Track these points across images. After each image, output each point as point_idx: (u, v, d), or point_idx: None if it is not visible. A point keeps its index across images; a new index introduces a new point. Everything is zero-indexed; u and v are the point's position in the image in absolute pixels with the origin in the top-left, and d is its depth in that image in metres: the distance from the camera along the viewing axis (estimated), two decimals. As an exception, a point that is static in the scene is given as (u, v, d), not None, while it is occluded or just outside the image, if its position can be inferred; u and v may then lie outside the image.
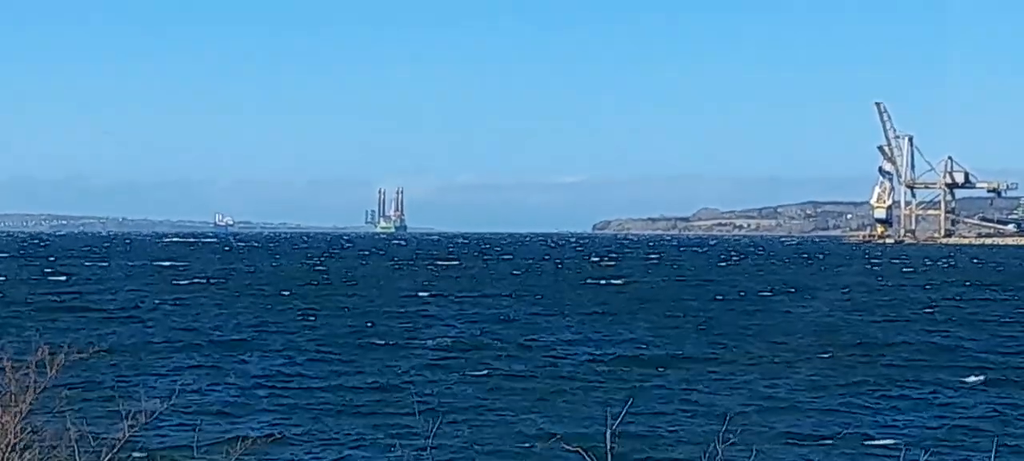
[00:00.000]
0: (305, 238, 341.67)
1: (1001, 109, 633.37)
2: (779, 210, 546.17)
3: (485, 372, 38.61)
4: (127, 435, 13.61)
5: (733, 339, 49.10)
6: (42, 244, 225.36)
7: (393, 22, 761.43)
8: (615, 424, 12.83)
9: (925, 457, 19.21)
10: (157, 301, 67.83)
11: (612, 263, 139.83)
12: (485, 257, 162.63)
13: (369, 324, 54.27)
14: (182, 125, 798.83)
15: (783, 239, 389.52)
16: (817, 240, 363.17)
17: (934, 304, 71.24)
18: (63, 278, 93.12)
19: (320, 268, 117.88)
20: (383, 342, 46.77)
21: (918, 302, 73.26)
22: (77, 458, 13.47)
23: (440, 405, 31.39)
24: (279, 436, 26.94)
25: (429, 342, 46.85)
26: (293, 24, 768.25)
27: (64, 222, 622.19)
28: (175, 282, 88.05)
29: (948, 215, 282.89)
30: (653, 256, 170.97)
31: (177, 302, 67.09)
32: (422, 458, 22.22)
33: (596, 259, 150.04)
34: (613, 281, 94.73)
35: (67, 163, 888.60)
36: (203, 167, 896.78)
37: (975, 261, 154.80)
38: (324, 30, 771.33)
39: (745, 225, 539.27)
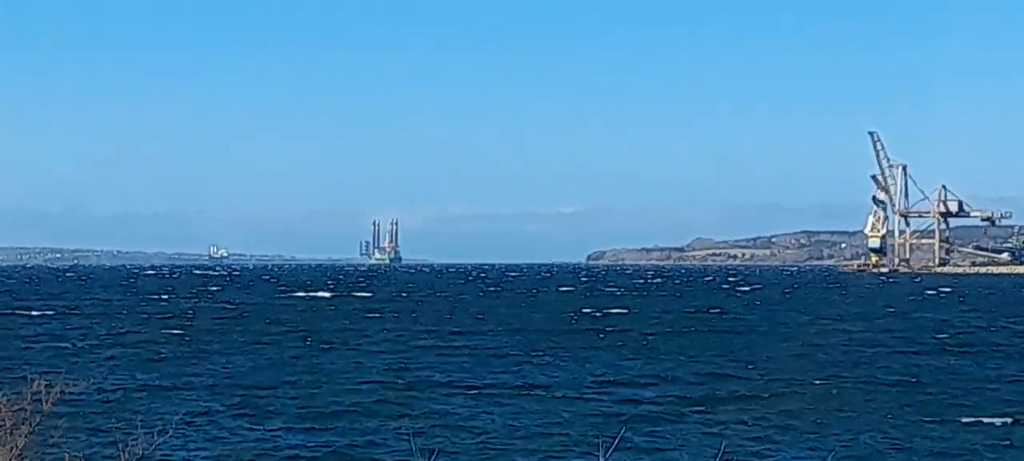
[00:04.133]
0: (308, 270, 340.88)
1: (995, 138, 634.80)
2: (773, 240, 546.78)
3: (481, 405, 38.60)
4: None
5: (728, 368, 49.20)
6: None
7: (389, 53, 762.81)
8: (608, 452, 12.91)
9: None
10: (150, 336, 67.76)
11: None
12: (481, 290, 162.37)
13: (361, 362, 54.31)
14: (179, 156, 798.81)
15: (780, 269, 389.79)
16: (813, 269, 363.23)
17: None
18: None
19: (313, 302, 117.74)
20: (376, 379, 46.75)
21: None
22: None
23: (437, 442, 31.40)
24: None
25: (424, 377, 46.81)
26: (289, 56, 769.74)
27: (58, 256, 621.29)
28: (169, 317, 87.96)
29: (942, 244, 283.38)
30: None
31: (172, 337, 67.00)
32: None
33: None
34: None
35: (63, 195, 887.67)
36: (199, 198, 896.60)
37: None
38: (319, 62, 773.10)
39: (739, 255, 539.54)
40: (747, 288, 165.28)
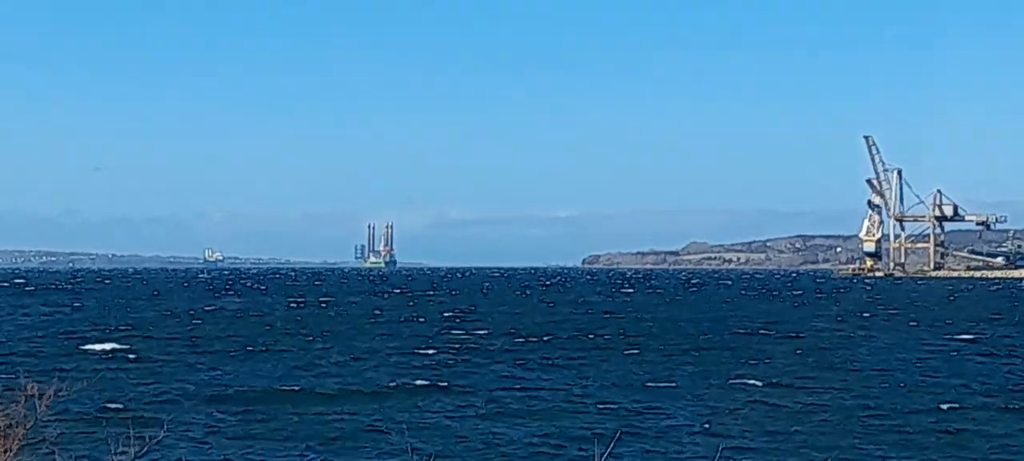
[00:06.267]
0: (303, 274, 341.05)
1: (990, 143, 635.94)
2: (768, 244, 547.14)
3: (475, 408, 38.54)
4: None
5: (727, 371, 49.13)
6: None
7: (385, 56, 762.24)
8: (604, 453, 12.82)
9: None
10: (147, 341, 67.69)
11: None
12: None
13: (355, 361, 54.28)
14: (174, 160, 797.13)
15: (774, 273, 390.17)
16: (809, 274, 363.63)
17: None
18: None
19: (302, 309, 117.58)
20: (371, 385, 46.71)
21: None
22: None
23: (432, 444, 31.34)
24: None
25: (419, 381, 46.75)
26: (284, 60, 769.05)
27: (54, 258, 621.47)
28: (167, 321, 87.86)
29: (937, 248, 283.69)
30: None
31: (167, 343, 66.94)
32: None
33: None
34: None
35: (59, 199, 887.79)
36: (195, 202, 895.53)
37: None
38: (316, 65, 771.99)
39: (734, 259, 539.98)
40: (749, 293, 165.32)
